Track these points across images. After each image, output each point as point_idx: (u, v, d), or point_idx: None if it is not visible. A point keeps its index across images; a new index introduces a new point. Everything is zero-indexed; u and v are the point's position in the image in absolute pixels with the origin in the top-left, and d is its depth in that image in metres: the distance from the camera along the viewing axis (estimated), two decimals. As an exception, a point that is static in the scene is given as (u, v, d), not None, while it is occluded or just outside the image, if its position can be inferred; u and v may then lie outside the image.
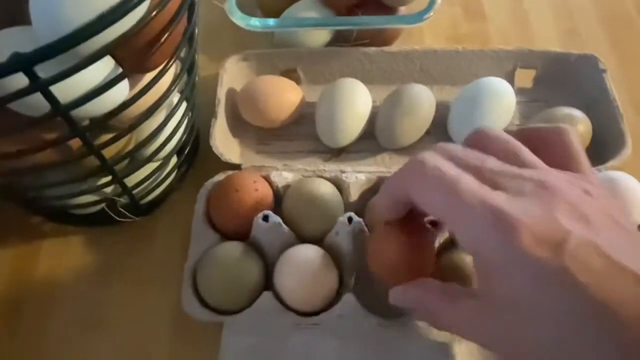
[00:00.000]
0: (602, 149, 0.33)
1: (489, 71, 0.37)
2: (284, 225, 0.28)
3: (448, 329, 0.21)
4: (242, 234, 0.29)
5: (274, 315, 0.27)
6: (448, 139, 0.35)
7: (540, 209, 0.18)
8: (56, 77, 0.18)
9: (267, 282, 0.28)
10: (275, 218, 0.28)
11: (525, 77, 0.37)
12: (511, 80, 0.37)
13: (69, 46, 0.17)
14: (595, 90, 0.35)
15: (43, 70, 0.18)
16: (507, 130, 0.22)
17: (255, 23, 0.36)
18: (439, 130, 0.35)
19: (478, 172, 0.19)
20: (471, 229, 0.18)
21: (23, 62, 0.16)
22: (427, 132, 0.35)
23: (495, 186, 0.19)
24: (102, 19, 0.18)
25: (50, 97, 0.19)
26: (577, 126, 0.32)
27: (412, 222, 0.23)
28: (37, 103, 0.19)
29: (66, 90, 0.19)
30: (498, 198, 0.18)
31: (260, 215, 0.28)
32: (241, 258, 0.28)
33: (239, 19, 0.35)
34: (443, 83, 0.38)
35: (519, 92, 0.36)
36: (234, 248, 0.28)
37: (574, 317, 0.17)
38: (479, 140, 0.21)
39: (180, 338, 0.29)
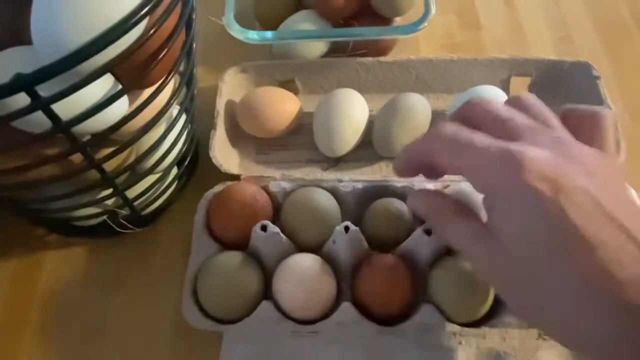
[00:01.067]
0: (597, 155, 0.33)
1: (485, 79, 0.37)
2: (282, 235, 0.28)
3: (453, 244, 0.23)
4: (241, 244, 0.30)
5: (273, 323, 0.27)
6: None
7: (548, 153, 0.20)
8: (57, 96, 0.18)
9: (266, 291, 0.29)
10: (273, 228, 0.28)
11: (520, 85, 0.38)
12: (506, 88, 0.37)
13: (70, 66, 0.18)
14: (589, 97, 0.35)
15: (44, 89, 0.19)
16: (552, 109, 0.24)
17: (253, 36, 0.36)
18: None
19: (502, 127, 0.22)
20: (483, 169, 0.21)
21: (25, 83, 0.17)
22: (424, 141, 0.35)
23: (512, 139, 0.21)
24: (101, 38, 0.18)
25: (51, 115, 0.19)
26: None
27: (390, 262, 0.28)
28: (38, 120, 0.20)
29: (67, 107, 0.20)
30: (509, 143, 0.20)
31: (259, 225, 0.28)
32: (240, 267, 0.28)
33: (237, 32, 0.36)
34: (439, 91, 0.38)
35: (514, 99, 0.37)
36: (233, 258, 0.29)
37: (556, 245, 0.19)
38: (517, 104, 0.23)
39: (181, 346, 0.29)
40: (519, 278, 0.20)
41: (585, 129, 0.23)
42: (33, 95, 0.18)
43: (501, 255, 0.20)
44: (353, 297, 0.29)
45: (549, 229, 0.19)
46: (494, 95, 0.34)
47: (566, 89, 0.37)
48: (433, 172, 0.25)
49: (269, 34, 0.37)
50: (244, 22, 0.37)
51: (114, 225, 0.31)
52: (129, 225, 0.31)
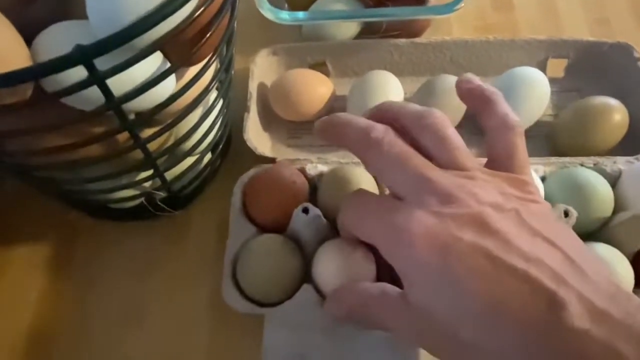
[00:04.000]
0: (637, 139, 0.33)
1: (520, 61, 0.36)
2: (323, 218, 0.28)
3: (383, 329, 0.23)
4: (279, 227, 0.29)
5: (314, 307, 0.27)
6: (479, 130, 0.35)
7: (433, 218, 0.20)
8: (113, 70, 0.18)
9: (306, 274, 0.29)
10: (315, 210, 0.28)
11: (557, 67, 0.37)
12: (543, 70, 0.36)
13: (129, 38, 0.17)
14: (629, 80, 0.35)
15: (97, 64, 0.18)
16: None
17: (284, 16, 0.35)
18: (470, 122, 0.35)
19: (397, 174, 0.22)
20: (380, 244, 0.21)
21: (85, 55, 0.17)
22: (459, 125, 0.35)
23: (403, 194, 0.21)
24: (158, 11, 0.18)
25: (106, 91, 0.19)
26: (614, 115, 0.32)
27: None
28: (90, 96, 0.19)
29: (119, 83, 0.19)
30: (395, 213, 0.21)
31: (300, 207, 0.28)
32: (280, 250, 0.28)
33: (268, 11, 0.35)
34: (474, 74, 0.37)
35: (550, 81, 0.36)
36: (272, 240, 0.28)
37: (462, 312, 0.18)
38: (423, 124, 0.24)
39: (221, 329, 0.29)
40: (438, 342, 0.20)
41: (495, 141, 0.23)
42: (91, 68, 0.17)
43: (419, 321, 0.20)
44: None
45: (450, 295, 0.19)
46: (533, 76, 0.33)
47: (604, 72, 0.36)
48: None
49: (300, 14, 0.36)
50: (272, 2, 0.36)
51: (150, 208, 0.30)
52: (166, 208, 0.30)
